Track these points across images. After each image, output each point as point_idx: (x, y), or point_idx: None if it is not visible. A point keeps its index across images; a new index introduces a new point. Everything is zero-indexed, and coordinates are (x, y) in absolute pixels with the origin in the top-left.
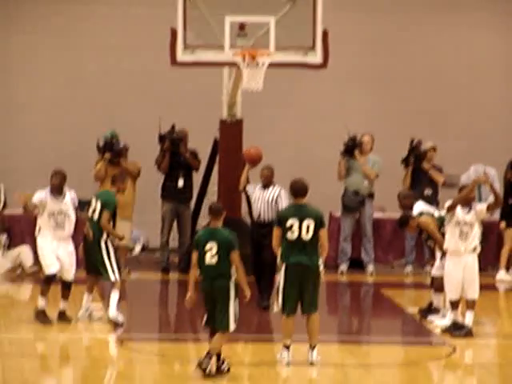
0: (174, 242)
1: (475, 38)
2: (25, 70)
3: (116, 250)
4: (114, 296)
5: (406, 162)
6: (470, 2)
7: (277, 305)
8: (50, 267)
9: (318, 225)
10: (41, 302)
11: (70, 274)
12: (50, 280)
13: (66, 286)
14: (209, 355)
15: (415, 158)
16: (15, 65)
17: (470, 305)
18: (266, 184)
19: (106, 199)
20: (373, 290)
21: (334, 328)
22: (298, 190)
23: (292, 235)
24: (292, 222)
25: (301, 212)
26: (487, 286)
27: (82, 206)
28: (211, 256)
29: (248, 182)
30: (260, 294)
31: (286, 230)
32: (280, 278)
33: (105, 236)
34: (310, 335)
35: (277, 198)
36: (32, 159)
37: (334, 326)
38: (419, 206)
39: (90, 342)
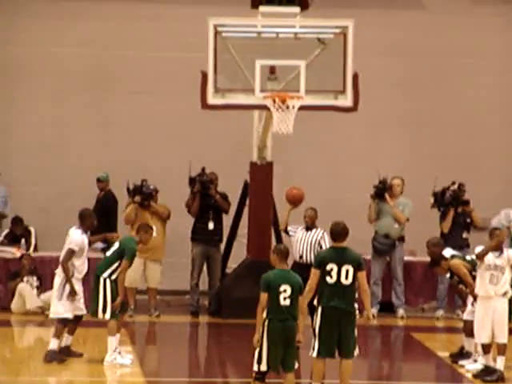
0: (203, 284)
1: (506, 80)
2: (55, 113)
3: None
4: (109, 340)
5: (443, 204)
6: (501, 47)
7: (312, 348)
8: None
9: (357, 269)
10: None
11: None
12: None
13: (76, 321)
14: None
15: (455, 200)
16: (46, 108)
17: (501, 349)
18: (310, 225)
19: (128, 246)
20: (403, 334)
21: (365, 373)
22: (338, 233)
23: (331, 279)
24: (331, 266)
25: (341, 256)
26: None
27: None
28: (284, 298)
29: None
30: None
31: (325, 273)
32: (316, 321)
33: (107, 273)
34: (342, 380)
35: (320, 240)
36: (63, 202)
37: (364, 370)
38: (448, 251)
39: None
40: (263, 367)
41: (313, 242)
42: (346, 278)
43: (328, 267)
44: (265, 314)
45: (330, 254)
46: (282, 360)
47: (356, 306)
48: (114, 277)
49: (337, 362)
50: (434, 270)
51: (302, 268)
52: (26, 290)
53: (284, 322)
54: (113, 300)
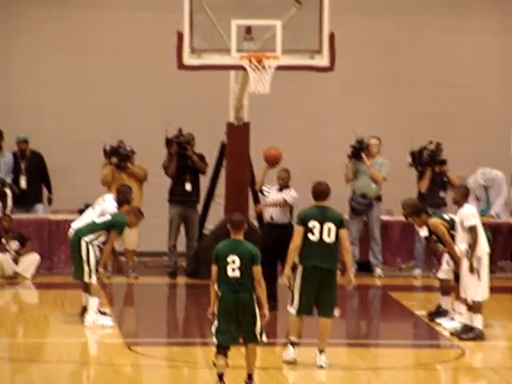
0: (181, 245)
1: (481, 39)
2: (31, 75)
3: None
4: (91, 301)
5: (421, 164)
6: (476, 5)
7: (291, 304)
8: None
9: (339, 227)
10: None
11: None
12: None
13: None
14: (251, 379)
15: (432, 160)
16: (20, 70)
17: (479, 307)
18: (283, 186)
19: (120, 221)
20: (381, 293)
21: (343, 331)
22: (320, 192)
23: (313, 237)
24: (314, 223)
25: (323, 214)
26: (496, 288)
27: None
28: (233, 269)
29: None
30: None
31: (307, 230)
32: (296, 278)
33: (90, 237)
34: (320, 339)
35: (293, 200)
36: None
37: (342, 329)
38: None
39: (98, 346)
40: (215, 340)
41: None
42: (329, 235)
43: (310, 224)
44: (217, 288)
45: (312, 212)
46: (241, 332)
47: (338, 265)
48: (95, 243)
49: (314, 320)
50: (413, 221)
51: (272, 229)
52: (3, 261)
53: (235, 293)
54: (97, 264)
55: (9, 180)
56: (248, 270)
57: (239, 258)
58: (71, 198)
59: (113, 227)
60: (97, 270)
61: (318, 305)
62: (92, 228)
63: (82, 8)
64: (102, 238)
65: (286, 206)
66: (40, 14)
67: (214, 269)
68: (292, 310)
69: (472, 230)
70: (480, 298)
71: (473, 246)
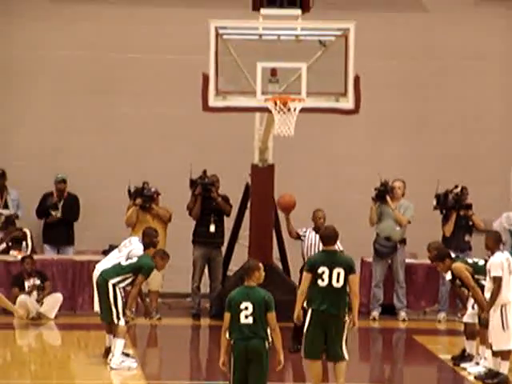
0: (205, 287)
1: (506, 83)
2: (56, 116)
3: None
4: (117, 343)
5: (446, 207)
6: (503, 48)
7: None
8: None
9: (348, 272)
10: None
11: None
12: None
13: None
14: None
15: (458, 203)
16: (47, 110)
17: (507, 354)
18: (321, 226)
19: (147, 264)
20: (405, 337)
21: (366, 375)
22: (328, 236)
23: (322, 282)
24: (323, 269)
25: (331, 259)
26: None
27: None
28: (246, 316)
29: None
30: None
31: (316, 276)
32: (306, 322)
33: (117, 280)
34: (337, 380)
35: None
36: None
37: (366, 373)
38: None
39: None
40: None
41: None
42: (338, 281)
43: (319, 270)
44: (228, 336)
45: (322, 258)
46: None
47: (347, 309)
48: (121, 285)
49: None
50: (437, 265)
51: None
52: (28, 302)
53: (247, 341)
54: (124, 306)
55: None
56: (261, 317)
57: (252, 304)
58: (95, 239)
59: (140, 270)
60: (124, 313)
61: (326, 350)
62: (118, 271)
63: (108, 50)
64: (129, 281)
65: None
66: (65, 55)
67: (227, 316)
68: (303, 354)
69: (495, 281)
70: (506, 346)
71: (493, 296)
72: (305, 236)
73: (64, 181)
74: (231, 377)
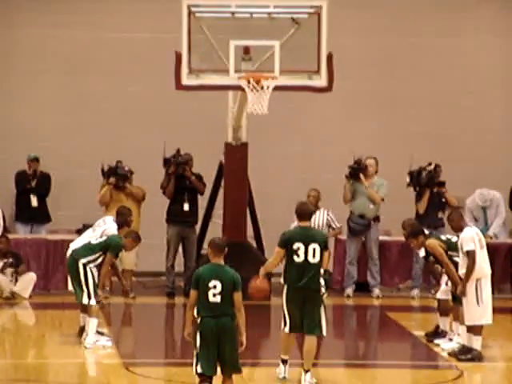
0: (179, 266)
1: (481, 61)
2: (30, 94)
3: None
4: (91, 322)
5: (419, 184)
6: (475, 26)
7: (284, 324)
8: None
9: (323, 248)
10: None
11: None
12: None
13: None
14: None
15: (431, 181)
16: (19, 90)
17: (480, 329)
18: (314, 206)
19: (115, 243)
20: (379, 314)
21: (341, 352)
22: (303, 212)
23: (298, 258)
24: (298, 245)
25: (307, 235)
26: (495, 310)
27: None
28: (214, 294)
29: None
30: None
31: (292, 252)
32: (283, 299)
33: (87, 259)
34: (305, 358)
35: (327, 220)
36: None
37: (340, 349)
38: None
39: (95, 367)
40: (199, 369)
41: (321, 225)
42: (314, 256)
43: (295, 246)
44: (196, 313)
45: (297, 234)
46: (221, 361)
47: (322, 283)
48: (92, 265)
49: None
50: (410, 242)
51: None
52: (1, 281)
53: (216, 319)
54: (95, 285)
55: None
56: (229, 296)
57: (221, 283)
58: (69, 218)
59: (108, 249)
60: (96, 292)
61: (303, 324)
62: (88, 250)
63: (81, 29)
64: (99, 261)
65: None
66: (39, 35)
67: (194, 293)
68: (286, 329)
69: (469, 255)
70: (478, 321)
71: (468, 270)
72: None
73: (37, 159)
74: (197, 352)
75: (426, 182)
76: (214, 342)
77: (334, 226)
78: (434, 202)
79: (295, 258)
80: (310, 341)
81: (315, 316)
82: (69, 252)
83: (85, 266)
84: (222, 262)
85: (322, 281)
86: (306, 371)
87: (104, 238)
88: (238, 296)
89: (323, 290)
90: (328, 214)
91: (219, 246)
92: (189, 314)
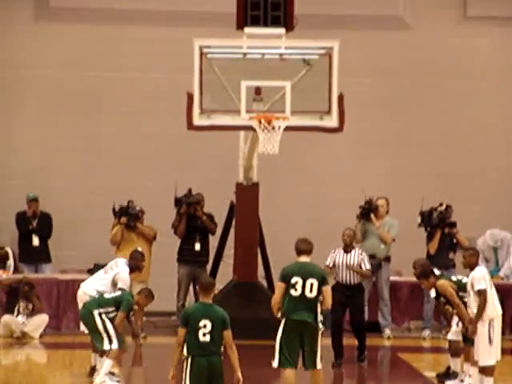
0: (190, 305)
1: (491, 101)
2: (43, 133)
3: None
4: (106, 363)
5: (430, 225)
6: (487, 67)
7: (273, 358)
8: None
9: (322, 283)
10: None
11: None
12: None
13: None
14: None
15: (442, 221)
16: (33, 129)
17: (492, 370)
18: (349, 245)
19: (127, 300)
20: (390, 354)
21: None
22: (302, 248)
23: (295, 292)
24: (296, 279)
25: (305, 270)
26: (506, 350)
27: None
28: (204, 334)
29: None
30: (358, 351)
31: (289, 287)
32: (279, 332)
33: (100, 311)
34: None
35: (360, 261)
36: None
37: None
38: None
39: None
40: None
41: (353, 264)
42: (311, 291)
43: (293, 280)
44: (185, 352)
45: (295, 268)
46: None
47: (320, 318)
48: (104, 317)
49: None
50: (421, 283)
51: (345, 288)
52: (12, 322)
53: (207, 357)
54: (114, 329)
55: None
56: (218, 335)
57: (211, 322)
58: (80, 258)
59: (120, 305)
60: (116, 335)
61: (302, 358)
62: (101, 303)
63: (93, 69)
64: (111, 315)
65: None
66: (49, 75)
67: (182, 332)
68: (274, 364)
69: (480, 294)
70: (491, 361)
71: (480, 310)
72: (333, 258)
73: (35, 199)
74: None
75: (437, 222)
76: (205, 381)
77: (363, 267)
78: (444, 243)
79: (292, 292)
80: (317, 374)
81: (314, 350)
82: (80, 292)
83: (100, 314)
84: (210, 301)
85: (320, 317)
86: None
87: (117, 293)
88: (228, 334)
89: (321, 325)
90: (361, 255)
91: (207, 285)
92: (176, 352)
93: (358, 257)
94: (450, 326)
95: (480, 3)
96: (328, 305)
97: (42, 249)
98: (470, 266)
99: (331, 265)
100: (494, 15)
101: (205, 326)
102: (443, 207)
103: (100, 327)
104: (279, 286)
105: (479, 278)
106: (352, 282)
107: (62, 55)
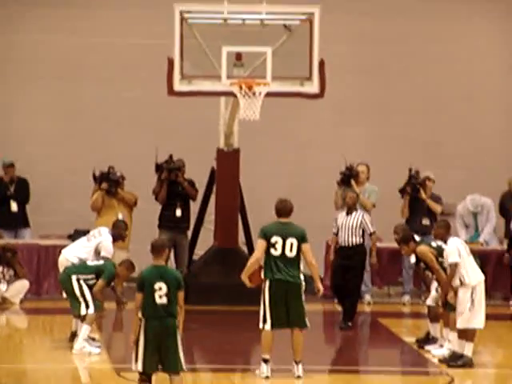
0: None
1: (473, 68)
2: (23, 100)
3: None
4: (83, 329)
5: (403, 191)
6: (468, 33)
7: (263, 321)
8: None
9: (301, 242)
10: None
11: None
12: None
13: None
14: None
15: (413, 187)
16: (13, 95)
17: (472, 335)
18: (351, 207)
19: (109, 270)
20: (370, 320)
21: (331, 357)
22: (282, 209)
23: (276, 252)
24: (276, 239)
25: (284, 230)
26: (486, 316)
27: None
28: (160, 296)
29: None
30: (344, 315)
31: (269, 246)
32: (264, 294)
33: (79, 277)
34: (294, 350)
35: (361, 223)
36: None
37: (330, 355)
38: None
39: (87, 372)
40: (140, 367)
41: (354, 226)
42: (291, 250)
43: (272, 240)
44: (140, 314)
45: (275, 228)
46: (163, 361)
47: (302, 277)
48: (82, 282)
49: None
50: (401, 248)
51: (346, 252)
52: None
53: (161, 320)
54: (91, 295)
55: None
56: (174, 296)
57: (166, 284)
58: (61, 223)
59: (101, 274)
60: (93, 300)
61: (288, 318)
62: (82, 269)
63: (73, 35)
64: (90, 282)
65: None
66: (31, 40)
67: (140, 296)
68: (266, 327)
69: (451, 267)
70: (474, 326)
71: (448, 281)
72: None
73: (12, 165)
74: (140, 353)
75: (402, 188)
76: (157, 342)
77: (367, 230)
78: (417, 209)
79: (273, 251)
80: (298, 333)
81: (299, 309)
82: (61, 258)
83: (78, 280)
84: (163, 262)
85: (301, 276)
86: (298, 362)
87: (100, 262)
88: (181, 295)
89: (303, 284)
90: (363, 217)
91: (158, 247)
92: (136, 318)
93: (359, 219)
94: (429, 291)
95: None
96: (310, 262)
97: (20, 214)
98: (441, 238)
99: (335, 231)
100: None
101: (160, 289)
102: (412, 172)
103: (77, 292)
104: (260, 243)
105: (451, 251)
106: (352, 243)
107: (40, 21)
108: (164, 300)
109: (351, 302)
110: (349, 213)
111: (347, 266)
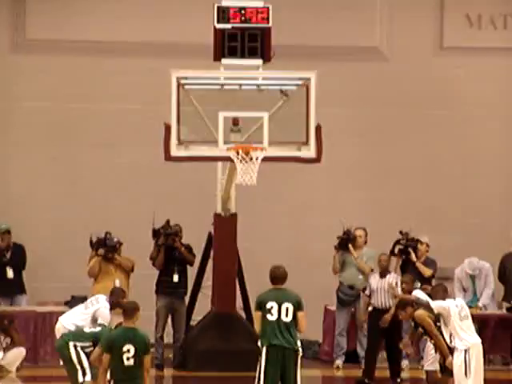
0: (168, 337)
1: (470, 132)
2: (23, 164)
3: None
4: None
5: (391, 253)
6: (464, 97)
7: None
8: None
9: (297, 308)
10: None
11: None
12: None
13: None
14: None
15: (403, 250)
16: (13, 160)
17: None
18: (384, 270)
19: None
20: None
21: None
22: (277, 276)
23: (272, 317)
24: (271, 304)
25: (280, 296)
26: (485, 381)
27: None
28: (128, 358)
29: None
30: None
31: (265, 312)
32: (261, 361)
33: (76, 344)
34: None
35: (396, 284)
36: (28, 255)
37: None
38: (419, 293)
39: None
40: None
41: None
42: (287, 315)
43: (268, 305)
44: (109, 376)
45: (270, 294)
46: None
47: (299, 343)
48: (79, 349)
49: None
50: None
51: (383, 314)
52: None
53: (129, 382)
54: (88, 363)
55: None
56: (141, 359)
57: (134, 347)
58: (57, 289)
59: (98, 341)
60: (90, 368)
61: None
62: (79, 336)
63: (71, 101)
64: (88, 350)
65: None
66: (28, 106)
67: (107, 358)
68: None
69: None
70: None
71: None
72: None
73: (8, 231)
74: None
75: (391, 250)
76: None
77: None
78: (407, 271)
79: (269, 316)
80: None
81: (294, 376)
82: (58, 325)
83: (76, 347)
84: (133, 325)
85: (298, 342)
86: None
87: (97, 329)
88: (148, 358)
89: (301, 350)
90: (396, 279)
91: (130, 309)
92: (102, 378)
93: (395, 281)
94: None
95: (456, 34)
96: (301, 331)
97: (16, 281)
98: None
99: (368, 293)
100: (470, 45)
101: (128, 351)
102: (401, 236)
103: (74, 359)
104: (256, 315)
105: (439, 304)
106: (389, 305)
107: (37, 87)
108: (131, 362)
109: (396, 358)
110: (383, 275)
111: (386, 328)
